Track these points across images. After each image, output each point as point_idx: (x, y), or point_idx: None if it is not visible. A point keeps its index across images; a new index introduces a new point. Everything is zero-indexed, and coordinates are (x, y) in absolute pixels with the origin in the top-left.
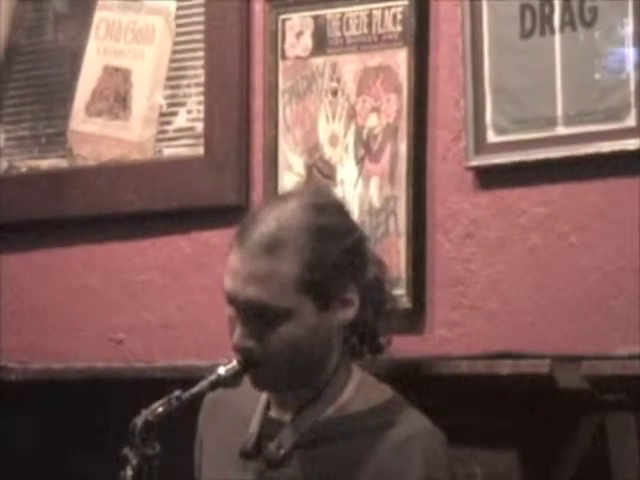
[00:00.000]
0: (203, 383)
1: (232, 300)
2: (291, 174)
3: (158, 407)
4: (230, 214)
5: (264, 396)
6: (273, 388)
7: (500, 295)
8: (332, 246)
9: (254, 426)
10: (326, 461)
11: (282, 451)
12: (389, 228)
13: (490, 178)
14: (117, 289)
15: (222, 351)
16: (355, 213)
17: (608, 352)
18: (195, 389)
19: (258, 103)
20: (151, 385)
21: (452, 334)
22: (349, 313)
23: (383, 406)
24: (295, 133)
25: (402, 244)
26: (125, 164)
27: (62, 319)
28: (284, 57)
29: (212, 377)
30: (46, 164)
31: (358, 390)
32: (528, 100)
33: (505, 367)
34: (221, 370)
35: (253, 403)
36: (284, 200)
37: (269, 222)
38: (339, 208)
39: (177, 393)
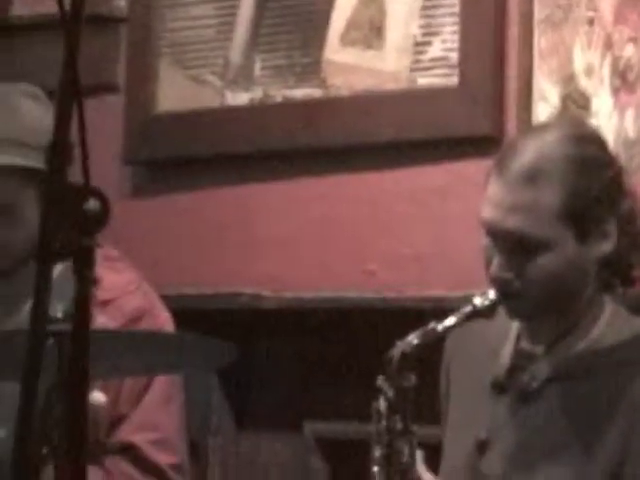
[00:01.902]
0: (458, 314)
1: (491, 230)
2: (545, 104)
3: (414, 338)
4: (484, 144)
5: (515, 327)
6: (528, 318)
7: None
8: (593, 178)
9: (505, 357)
10: (579, 396)
11: (535, 384)
12: None
13: None
14: (369, 219)
15: (474, 283)
16: (610, 145)
17: None
18: (451, 320)
19: (513, 32)
20: (402, 316)
21: None
22: (607, 246)
23: (635, 340)
24: (550, 63)
25: None
26: (379, 94)
27: (313, 248)
28: None
29: (467, 308)
30: (300, 93)
31: (610, 323)
32: None
33: None
34: (477, 301)
35: (502, 334)
36: (543, 130)
37: (529, 152)
38: (598, 140)
39: (432, 325)
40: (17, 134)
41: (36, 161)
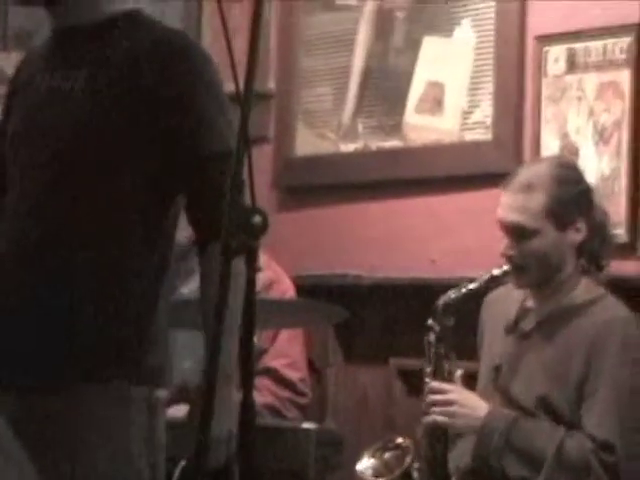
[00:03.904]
0: (480, 280)
1: (501, 224)
2: (549, 153)
3: (452, 294)
4: (508, 178)
5: (521, 292)
6: (527, 285)
7: None
8: (568, 188)
9: (513, 312)
10: (557, 335)
11: (529, 327)
12: (614, 189)
13: None
14: (432, 226)
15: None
16: (591, 179)
17: None
18: (475, 284)
19: (528, 106)
20: (448, 289)
21: None
22: (578, 237)
23: (597, 298)
24: (552, 126)
25: (623, 200)
26: (440, 145)
27: (396, 245)
28: (546, 75)
29: (487, 276)
30: (388, 145)
31: (584, 291)
32: None
33: None
34: (495, 271)
35: (513, 299)
36: (539, 161)
37: (527, 172)
38: (574, 167)
39: (465, 286)
40: None
41: None
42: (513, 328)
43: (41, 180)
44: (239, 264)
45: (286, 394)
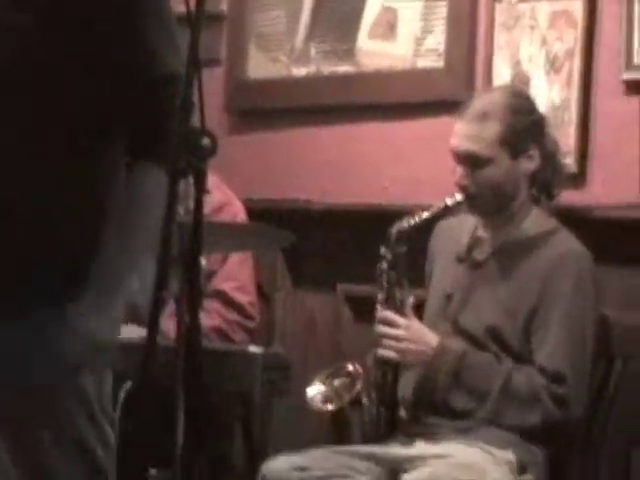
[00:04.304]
0: (434, 209)
1: (454, 153)
2: (501, 81)
3: (404, 222)
4: (460, 106)
5: (472, 221)
6: (481, 213)
7: None
8: (522, 117)
9: (465, 241)
10: (511, 267)
11: (482, 257)
12: (564, 119)
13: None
14: (385, 153)
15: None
16: (542, 108)
17: None
18: (428, 213)
19: (481, 33)
20: (400, 216)
21: (606, 189)
22: (531, 165)
23: (550, 231)
24: (505, 53)
25: (572, 130)
26: (392, 71)
27: (348, 171)
28: (500, 1)
29: (441, 205)
30: (341, 70)
31: (535, 220)
32: None
33: None
34: (448, 201)
35: (464, 227)
36: (492, 90)
37: (481, 101)
38: (527, 97)
39: (418, 214)
40: None
41: None
42: (465, 257)
43: None
44: (160, 181)
45: (234, 317)
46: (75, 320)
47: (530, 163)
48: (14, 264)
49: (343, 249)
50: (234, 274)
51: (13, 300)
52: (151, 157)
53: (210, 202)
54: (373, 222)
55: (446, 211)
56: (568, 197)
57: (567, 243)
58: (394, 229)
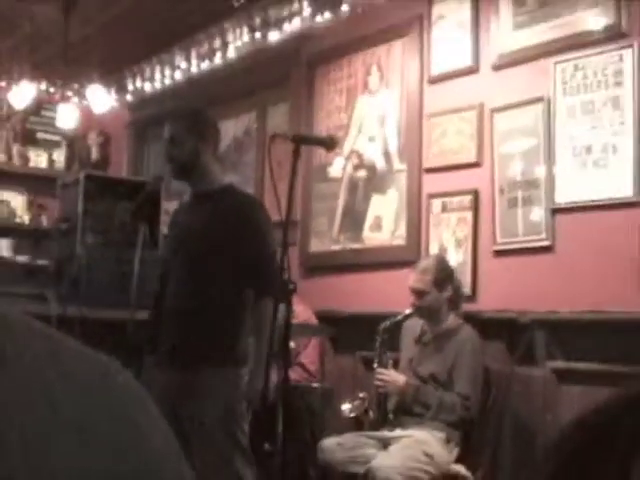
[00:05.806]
0: (401, 316)
1: (411, 288)
2: None
3: (387, 321)
4: None
5: (420, 322)
6: (424, 318)
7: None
8: (443, 271)
9: (418, 331)
10: (441, 345)
11: (427, 340)
12: (464, 269)
13: None
14: None
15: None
16: (453, 264)
17: None
18: (399, 317)
19: None
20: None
21: (485, 304)
22: (448, 294)
23: (460, 325)
24: None
25: (468, 273)
26: None
27: None
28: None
29: (405, 313)
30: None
31: (452, 320)
32: None
33: None
34: (407, 312)
35: (417, 325)
36: (429, 256)
37: (423, 262)
38: (446, 260)
39: (393, 318)
40: None
41: None
42: (418, 340)
43: (184, 269)
44: (269, 308)
45: (307, 376)
46: (248, 380)
47: (447, 293)
48: (208, 341)
49: (359, 335)
50: (309, 354)
51: (207, 360)
52: (265, 295)
53: (299, 314)
54: (373, 321)
55: (407, 317)
56: (467, 307)
57: (468, 331)
58: (381, 326)
